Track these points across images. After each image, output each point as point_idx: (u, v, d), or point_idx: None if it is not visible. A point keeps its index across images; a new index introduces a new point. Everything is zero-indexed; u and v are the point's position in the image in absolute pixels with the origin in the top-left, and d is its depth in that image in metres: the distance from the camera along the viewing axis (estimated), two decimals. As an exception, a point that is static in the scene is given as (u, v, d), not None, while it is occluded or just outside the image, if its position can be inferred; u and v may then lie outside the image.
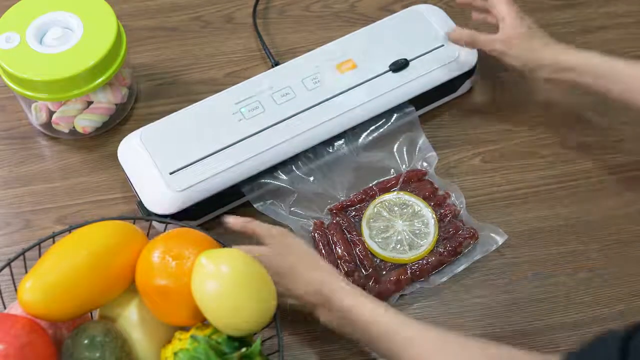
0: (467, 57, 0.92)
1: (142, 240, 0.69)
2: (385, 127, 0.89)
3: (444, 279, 0.81)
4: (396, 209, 0.85)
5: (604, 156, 0.91)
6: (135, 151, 0.84)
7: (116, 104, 0.93)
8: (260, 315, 0.65)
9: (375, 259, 0.82)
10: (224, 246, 0.70)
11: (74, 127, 0.92)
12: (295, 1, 1.05)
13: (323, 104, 0.87)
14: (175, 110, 0.87)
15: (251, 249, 0.72)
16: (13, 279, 0.72)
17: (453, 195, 0.86)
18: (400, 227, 0.83)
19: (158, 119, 0.86)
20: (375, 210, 0.85)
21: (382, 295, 0.79)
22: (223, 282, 0.64)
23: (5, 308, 0.72)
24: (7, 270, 0.71)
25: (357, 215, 0.85)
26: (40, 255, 0.69)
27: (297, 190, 0.85)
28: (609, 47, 0.99)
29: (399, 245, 0.82)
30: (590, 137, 0.92)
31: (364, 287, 0.78)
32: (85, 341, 0.64)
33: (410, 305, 0.80)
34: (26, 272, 0.67)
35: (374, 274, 0.80)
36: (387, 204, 0.85)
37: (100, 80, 0.86)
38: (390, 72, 0.89)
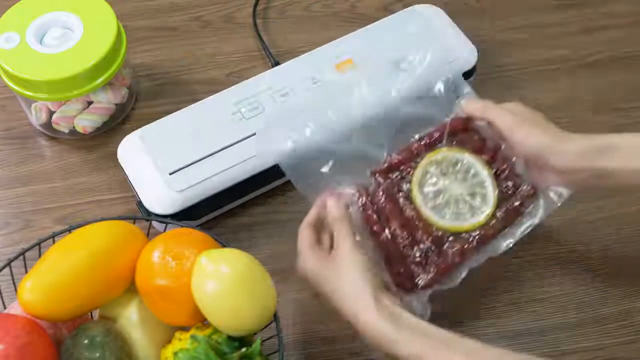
0: (467, 57, 0.92)
1: (142, 240, 0.69)
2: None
3: (509, 243, 0.73)
4: (448, 168, 0.74)
5: (604, 156, 0.90)
6: (135, 151, 0.84)
7: (116, 104, 0.93)
8: (260, 315, 0.65)
9: (433, 229, 0.73)
10: (224, 246, 0.70)
11: (74, 127, 0.92)
12: (295, 1, 1.05)
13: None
14: (175, 110, 0.87)
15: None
16: (13, 279, 0.72)
17: (504, 146, 0.75)
18: (456, 190, 0.74)
19: (158, 119, 0.86)
20: (425, 172, 0.74)
21: (448, 270, 0.72)
22: (223, 282, 0.64)
23: (5, 308, 0.72)
24: (7, 270, 0.71)
25: (403, 178, 0.75)
26: (40, 255, 0.69)
27: (334, 154, 0.76)
28: (609, 47, 0.99)
29: (457, 212, 0.73)
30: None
31: (425, 262, 0.72)
32: (85, 341, 0.64)
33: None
34: (26, 272, 0.67)
35: (436, 247, 0.72)
36: (436, 163, 0.74)
37: (100, 80, 0.86)
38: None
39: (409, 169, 0.74)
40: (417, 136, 0.76)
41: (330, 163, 0.76)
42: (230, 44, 1.01)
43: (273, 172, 0.85)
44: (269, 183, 0.87)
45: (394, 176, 0.75)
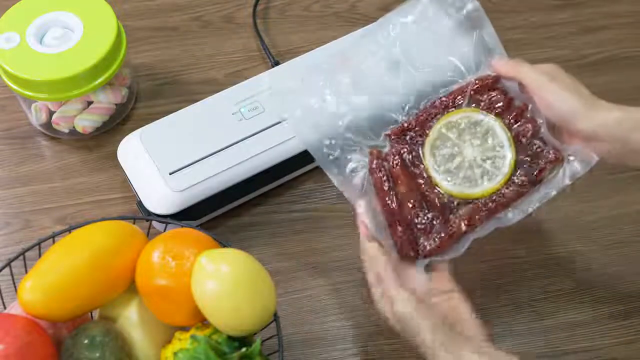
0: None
1: (142, 240, 0.69)
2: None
3: (522, 215, 0.70)
4: (465, 130, 0.70)
5: (604, 156, 0.90)
6: (135, 151, 0.84)
7: (116, 104, 0.93)
8: (260, 315, 0.65)
9: (442, 195, 0.69)
10: (224, 246, 0.70)
11: (74, 127, 0.92)
12: (295, 1, 1.05)
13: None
14: (175, 110, 0.87)
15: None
16: (13, 279, 0.72)
17: (531, 107, 0.70)
18: (470, 154, 0.70)
19: (158, 119, 0.86)
20: (440, 133, 0.70)
21: (453, 238, 0.69)
22: (223, 282, 0.64)
23: (5, 308, 0.72)
24: (7, 270, 0.71)
25: (419, 140, 0.71)
26: (40, 255, 0.69)
27: (347, 113, 0.73)
28: (608, 47, 0.99)
29: (469, 176, 0.69)
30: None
31: (430, 230, 0.69)
32: (85, 341, 0.64)
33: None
34: (26, 272, 0.67)
35: (441, 213, 0.69)
36: (453, 124, 0.70)
37: (100, 80, 0.86)
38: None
39: (425, 132, 0.71)
40: (438, 96, 0.73)
41: (347, 120, 0.72)
42: (230, 44, 1.01)
43: (273, 172, 0.85)
44: (269, 183, 0.87)
45: (409, 138, 0.71)
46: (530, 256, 0.83)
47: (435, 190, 0.69)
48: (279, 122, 0.85)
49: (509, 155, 0.69)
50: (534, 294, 0.81)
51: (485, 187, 0.69)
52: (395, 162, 0.70)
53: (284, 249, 0.85)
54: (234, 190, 0.84)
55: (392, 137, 0.72)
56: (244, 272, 0.65)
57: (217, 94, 0.88)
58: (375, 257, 0.68)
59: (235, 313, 0.64)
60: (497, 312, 0.80)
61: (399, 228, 0.69)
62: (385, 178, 0.70)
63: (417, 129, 0.71)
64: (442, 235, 0.69)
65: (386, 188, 0.69)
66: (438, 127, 0.71)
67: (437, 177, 0.70)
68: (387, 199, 0.70)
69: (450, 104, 0.72)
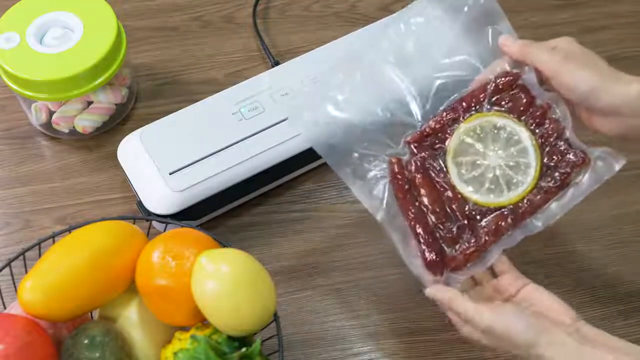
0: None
1: (142, 240, 0.69)
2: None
3: (549, 221, 0.68)
4: (487, 136, 0.68)
5: (604, 156, 0.90)
6: (135, 151, 0.84)
7: (116, 104, 0.93)
8: (260, 315, 0.65)
9: (467, 204, 0.67)
10: (224, 246, 0.70)
11: (74, 127, 0.92)
12: (295, 1, 1.05)
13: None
14: (175, 110, 0.87)
15: (471, 334, 0.65)
16: (13, 279, 0.72)
17: (555, 107, 0.68)
18: (495, 161, 0.67)
19: (158, 119, 0.86)
20: (461, 140, 0.68)
21: (480, 249, 0.67)
22: (223, 282, 0.64)
23: (5, 308, 0.72)
24: (7, 270, 0.71)
25: (439, 147, 0.68)
26: (40, 255, 0.69)
27: (363, 121, 0.70)
28: (609, 47, 0.99)
29: (494, 185, 0.67)
30: (590, 137, 0.92)
31: (457, 240, 0.67)
32: (85, 341, 0.64)
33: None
34: (26, 272, 0.67)
35: (468, 224, 0.67)
36: (474, 130, 0.68)
37: (100, 80, 0.86)
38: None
39: (446, 137, 0.68)
40: (456, 98, 0.70)
41: (362, 130, 0.70)
42: (230, 44, 1.01)
43: (273, 172, 0.85)
44: (269, 183, 0.87)
45: (429, 145, 0.69)
46: (530, 256, 0.83)
47: (460, 199, 0.67)
48: (279, 122, 0.85)
49: (534, 160, 0.68)
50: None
51: (511, 195, 0.67)
52: (417, 170, 0.68)
53: (284, 249, 0.85)
54: (234, 190, 0.84)
55: (412, 143, 0.69)
56: (244, 272, 0.65)
57: (217, 94, 0.88)
58: (451, 299, 0.66)
59: (235, 313, 0.64)
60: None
61: (425, 238, 0.67)
62: (407, 187, 0.68)
63: (438, 134, 0.69)
64: (470, 245, 0.67)
65: (409, 197, 0.67)
66: (459, 134, 0.68)
67: (461, 186, 0.67)
68: (410, 208, 0.67)
69: (470, 106, 0.69)
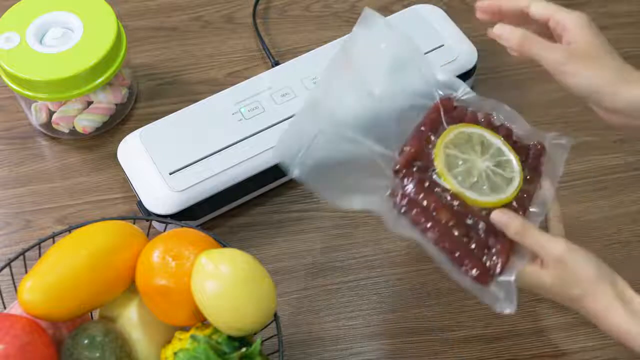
0: (467, 57, 0.92)
1: (142, 240, 0.69)
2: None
3: (543, 208, 0.70)
4: (464, 145, 0.70)
5: (603, 156, 0.91)
6: (135, 151, 0.84)
7: (116, 104, 0.93)
8: (260, 315, 0.65)
9: (480, 209, 0.68)
10: (224, 246, 0.70)
11: (74, 127, 0.92)
12: (295, 1, 1.05)
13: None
14: (175, 110, 0.87)
15: (531, 274, 0.64)
16: (13, 279, 0.72)
17: (494, 114, 0.73)
18: (482, 165, 0.69)
19: (158, 119, 0.86)
20: (446, 154, 0.69)
21: (513, 245, 0.67)
22: (223, 282, 0.64)
23: (5, 308, 0.72)
24: (7, 270, 0.71)
25: (427, 167, 0.69)
26: (40, 255, 0.69)
27: (349, 162, 0.70)
28: (608, 47, 0.99)
29: (493, 184, 0.69)
30: (590, 137, 0.92)
31: (487, 247, 0.67)
32: (85, 341, 0.64)
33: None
34: (26, 272, 0.67)
35: (488, 227, 0.67)
36: (452, 144, 0.70)
37: (100, 80, 0.86)
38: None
39: (428, 157, 0.69)
40: (417, 124, 0.71)
41: (349, 170, 0.69)
42: (230, 44, 1.01)
43: (273, 172, 0.85)
44: (268, 183, 0.87)
45: (417, 169, 0.69)
46: (530, 256, 0.83)
47: (473, 207, 0.68)
48: (279, 122, 0.85)
49: (511, 156, 0.70)
50: (534, 294, 0.81)
51: (510, 190, 0.69)
52: (420, 195, 0.68)
53: (284, 249, 0.85)
54: (234, 190, 0.84)
55: (401, 171, 0.69)
56: (244, 272, 0.65)
57: (217, 94, 0.88)
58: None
59: (235, 313, 0.64)
60: (497, 312, 0.80)
61: (460, 256, 0.67)
62: (421, 214, 0.67)
63: (419, 157, 0.70)
64: (501, 246, 0.67)
65: (430, 224, 0.67)
66: (441, 150, 0.69)
67: (468, 194, 0.68)
68: (435, 232, 0.67)
69: (432, 127, 0.71)
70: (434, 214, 0.67)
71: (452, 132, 0.71)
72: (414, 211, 0.67)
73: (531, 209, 0.69)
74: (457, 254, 0.67)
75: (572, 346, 0.78)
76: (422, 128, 0.71)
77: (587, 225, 0.85)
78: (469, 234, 0.67)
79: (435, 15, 0.95)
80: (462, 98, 0.73)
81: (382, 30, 0.74)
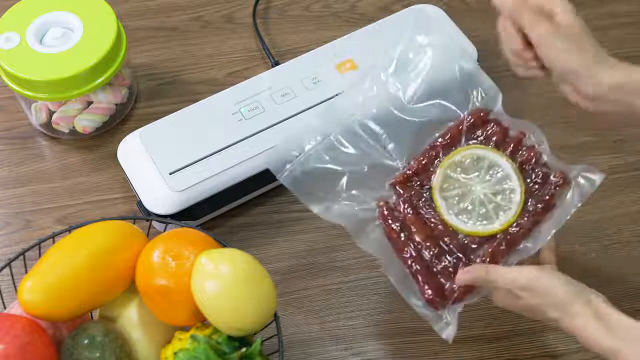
0: (467, 57, 0.91)
1: (142, 240, 0.69)
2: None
3: (541, 243, 0.69)
4: (470, 168, 0.70)
5: (603, 156, 0.90)
6: (135, 151, 0.84)
7: (116, 104, 0.93)
8: (260, 315, 0.65)
9: (459, 236, 0.69)
10: (224, 246, 0.70)
11: (74, 127, 0.92)
12: (295, 1, 1.05)
13: (323, 104, 0.86)
14: (175, 110, 0.87)
15: (509, 305, 0.66)
16: (13, 279, 0.72)
17: (529, 134, 0.71)
18: (480, 191, 0.69)
19: (158, 119, 0.86)
20: (446, 175, 0.70)
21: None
22: (223, 282, 0.64)
23: (5, 308, 0.72)
24: (7, 270, 0.71)
25: (424, 184, 0.70)
26: (40, 255, 0.69)
27: (345, 170, 0.72)
28: (609, 48, 0.99)
29: (484, 214, 0.69)
30: (590, 137, 0.92)
31: (454, 273, 0.68)
32: (85, 341, 0.65)
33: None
34: (26, 272, 0.67)
35: (464, 255, 0.68)
36: (457, 164, 0.70)
37: (100, 80, 0.86)
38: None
39: (429, 175, 0.70)
40: (434, 138, 0.72)
41: (345, 178, 0.72)
42: (230, 44, 1.01)
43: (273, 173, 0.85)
44: (269, 183, 0.87)
45: (414, 185, 0.71)
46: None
47: (452, 232, 0.69)
48: (279, 122, 0.85)
49: (517, 185, 0.69)
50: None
51: (501, 221, 0.69)
52: (406, 211, 0.69)
53: (284, 249, 0.85)
54: (234, 190, 0.84)
55: (397, 185, 0.71)
56: (244, 272, 0.65)
57: (217, 94, 0.88)
58: None
59: (235, 313, 0.64)
60: (497, 312, 0.80)
61: (422, 277, 0.68)
62: (399, 228, 0.69)
63: (421, 173, 0.71)
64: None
65: (403, 238, 0.69)
66: (443, 170, 0.70)
67: (452, 220, 0.69)
68: (405, 248, 0.69)
69: (449, 143, 0.71)
70: (413, 230, 0.68)
71: (460, 153, 0.71)
72: (393, 225, 0.69)
73: (525, 244, 0.69)
74: (418, 273, 0.68)
75: (572, 346, 0.78)
76: (437, 142, 0.72)
77: (587, 225, 0.85)
78: (440, 258, 0.68)
79: (435, 15, 0.95)
80: (495, 112, 0.72)
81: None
